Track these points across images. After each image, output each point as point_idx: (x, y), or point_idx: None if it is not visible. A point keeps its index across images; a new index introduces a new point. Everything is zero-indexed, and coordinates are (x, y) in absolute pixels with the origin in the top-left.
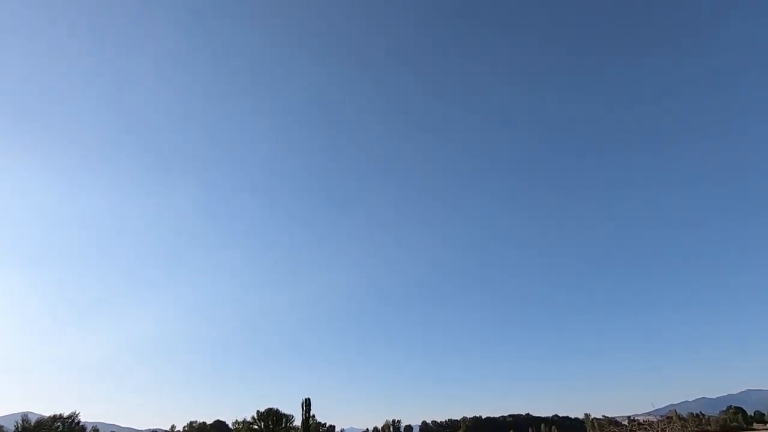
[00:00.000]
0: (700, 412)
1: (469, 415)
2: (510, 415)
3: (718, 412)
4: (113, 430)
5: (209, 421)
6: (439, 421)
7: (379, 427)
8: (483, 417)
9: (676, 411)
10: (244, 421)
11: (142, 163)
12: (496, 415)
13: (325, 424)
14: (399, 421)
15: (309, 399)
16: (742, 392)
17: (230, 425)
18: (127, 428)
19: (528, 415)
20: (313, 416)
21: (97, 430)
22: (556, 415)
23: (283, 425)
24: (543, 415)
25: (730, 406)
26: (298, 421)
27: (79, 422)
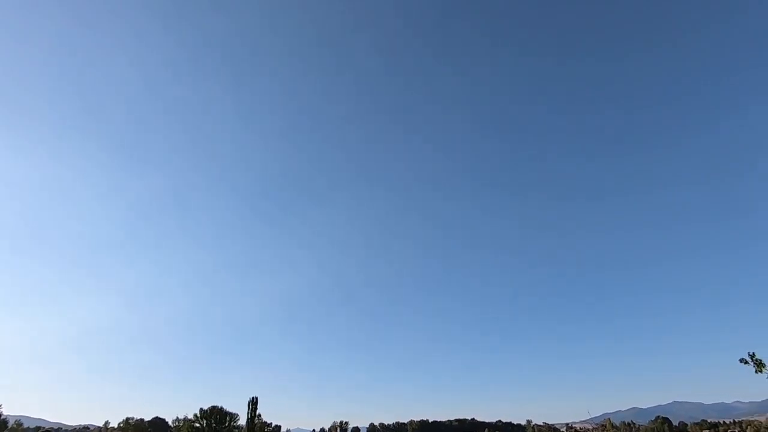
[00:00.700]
0: (632, 422)
1: (417, 419)
2: (456, 420)
3: (648, 421)
4: (39, 425)
5: (147, 418)
6: (386, 423)
7: (326, 428)
8: (430, 420)
9: (610, 420)
10: (185, 419)
11: (87, 141)
12: (443, 419)
13: (271, 423)
14: (347, 423)
15: (256, 398)
16: (669, 403)
17: (170, 423)
18: (56, 423)
19: (473, 420)
20: (259, 416)
21: (21, 424)
22: (500, 421)
23: (227, 424)
24: (487, 420)
25: (659, 416)
26: (243, 420)
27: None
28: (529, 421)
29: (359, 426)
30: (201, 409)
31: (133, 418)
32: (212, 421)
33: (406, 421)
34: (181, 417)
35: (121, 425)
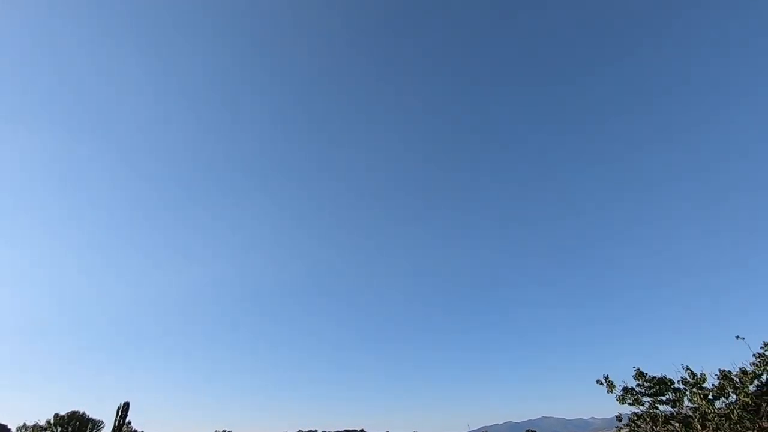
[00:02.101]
0: None
1: (305, 429)
2: (345, 430)
3: None
4: None
5: None
6: None
7: None
8: (318, 431)
9: (487, 431)
10: (34, 426)
11: None
12: (332, 429)
13: (138, 431)
14: None
15: (128, 403)
16: (539, 418)
17: (14, 431)
18: None
19: (362, 430)
20: (129, 423)
21: None
22: (388, 431)
23: None
24: (376, 430)
25: (528, 430)
26: (109, 429)
27: None
28: None
29: None
30: (56, 415)
31: None
32: (68, 429)
33: (295, 431)
34: (30, 423)
35: None
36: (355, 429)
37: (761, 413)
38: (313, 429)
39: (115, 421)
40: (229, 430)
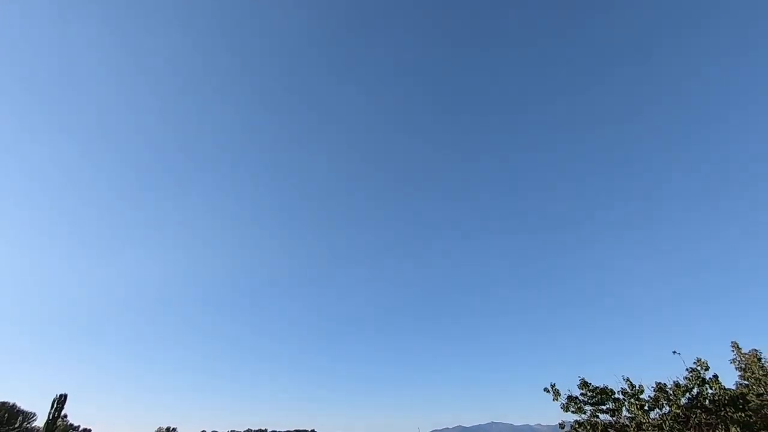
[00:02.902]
0: None
1: (254, 427)
2: (296, 430)
3: None
4: None
5: None
6: (220, 431)
7: None
8: (268, 430)
9: None
10: None
11: None
12: (282, 428)
13: (79, 426)
14: (174, 429)
15: (65, 395)
16: (488, 423)
17: None
18: None
19: (313, 430)
20: (65, 416)
21: None
22: None
23: (17, 425)
24: (327, 431)
25: None
26: (42, 421)
27: None
28: None
29: None
30: None
31: None
32: None
33: (242, 430)
34: None
35: None
36: (306, 429)
37: (690, 424)
38: (263, 428)
39: (50, 413)
40: (174, 427)
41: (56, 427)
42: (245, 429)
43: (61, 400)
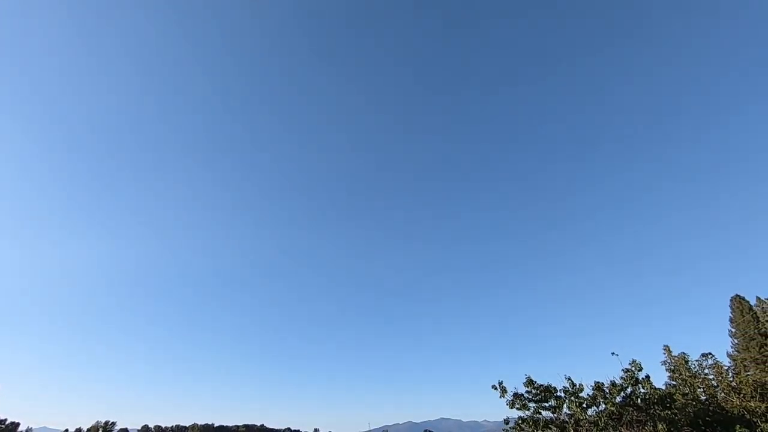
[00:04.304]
0: None
1: (200, 422)
2: (244, 425)
3: None
4: None
5: None
6: (164, 426)
7: (84, 429)
8: (215, 425)
9: (387, 431)
10: None
11: None
12: (230, 423)
13: (6, 420)
14: (113, 423)
15: None
16: (438, 419)
17: None
18: None
19: (263, 426)
20: None
21: None
22: (289, 428)
23: None
24: (276, 426)
25: (427, 430)
26: None
27: None
28: (316, 429)
29: (129, 428)
30: None
31: None
32: None
33: (187, 425)
34: None
35: None
36: (255, 424)
37: (623, 421)
38: (210, 423)
39: None
40: (113, 421)
41: None
42: (191, 424)
43: None
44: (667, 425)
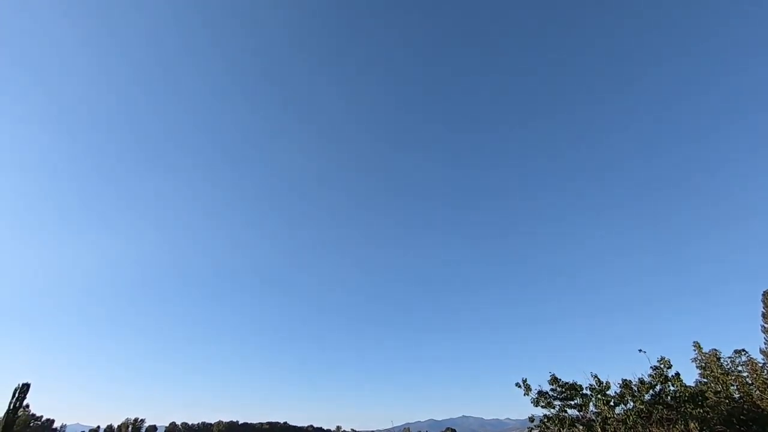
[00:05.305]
0: (427, 431)
1: (225, 419)
2: (268, 423)
3: None
4: None
5: None
6: (190, 423)
7: (115, 426)
8: (240, 422)
9: (409, 429)
10: None
11: None
12: (254, 421)
13: (41, 417)
14: (142, 420)
15: (27, 385)
16: (459, 417)
17: None
18: None
19: (285, 423)
20: (27, 407)
21: None
22: (312, 425)
23: None
24: (299, 424)
25: (448, 428)
26: (1, 411)
27: None
28: (338, 427)
29: (157, 425)
30: None
31: None
32: None
33: (213, 422)
34: None
35: None
36: (278, 422)
37: (652, 420)
38: (235, 420)
39: (11, 403)
40: (142, 418)
41: (17, 418)
42: (216, 421)
43: (22, 390)
44: (699, 424)
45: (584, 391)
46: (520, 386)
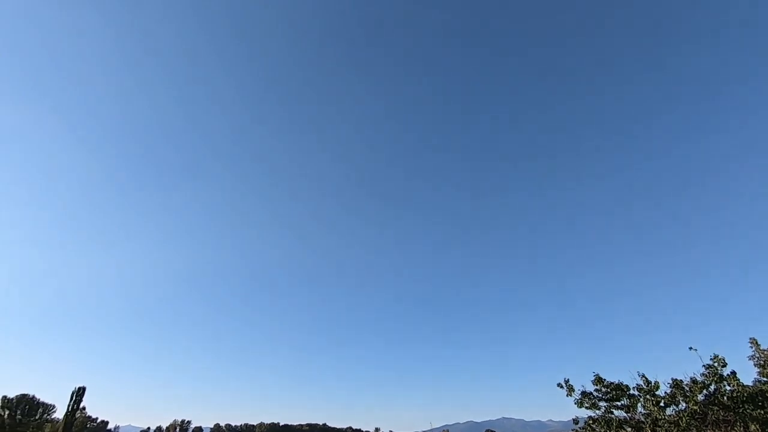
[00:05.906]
0: None
1: (267, 421)
2: (308, 424)
3: None
4: None
5: None
6: (234, 424)
7: (164, 427)
8: (280, 424)
9: (448, 430)
10: None
11: None
12: (294, 423)
13: (97, 419)
14: (188, 422)
15: (83, 388)
16: (499, 419)
17: None
18: None
19: (325, 425)
20: (83, 409)
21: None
22: (351, 427)
23: (38, 416)
24: (339, 425)
25: (488, 430)
26: (61, 413)
27: None
28: (377, 429)
29: (202, 426)
30: (4, 397)
31: None
32: (17, 412)
33: (255, 423)
34: None
35: None
36: (318, 423)
37: (707, 421)
38: (276, 422)
39: (69, 405)
40: (188, 420)
41: (75, 419)
42: (258, 423)
43: (79, 393)
44: (760, 426)
45: (631, 392)
46: (562, 387)
